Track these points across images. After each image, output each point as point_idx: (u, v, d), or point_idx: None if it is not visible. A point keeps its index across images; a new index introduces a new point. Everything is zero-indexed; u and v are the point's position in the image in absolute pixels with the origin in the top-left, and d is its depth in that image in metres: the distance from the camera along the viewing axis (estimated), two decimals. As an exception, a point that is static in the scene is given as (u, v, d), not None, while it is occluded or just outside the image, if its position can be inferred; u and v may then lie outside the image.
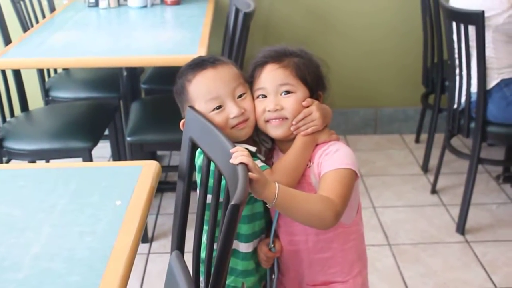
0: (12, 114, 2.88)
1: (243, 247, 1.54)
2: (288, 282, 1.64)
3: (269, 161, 1.57)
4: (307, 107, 1.48)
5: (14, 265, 1.16)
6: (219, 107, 1.47)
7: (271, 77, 1.48)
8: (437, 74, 3.28)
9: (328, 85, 1.56)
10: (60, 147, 2.61)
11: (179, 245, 1.52)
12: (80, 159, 2.63)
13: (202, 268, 1.49)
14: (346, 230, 1.54)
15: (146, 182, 1.43)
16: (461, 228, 2.84)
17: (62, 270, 1.14)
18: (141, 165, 1.52)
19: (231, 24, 2.77)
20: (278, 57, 1.49)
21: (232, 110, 1.46)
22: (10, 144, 2.64)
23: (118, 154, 3.08)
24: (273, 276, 1.62)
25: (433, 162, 3.35)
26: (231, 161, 1.25)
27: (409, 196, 3.19)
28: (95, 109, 2.96)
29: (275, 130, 1.49)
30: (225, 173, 1.30)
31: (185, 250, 1.57)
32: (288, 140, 1.51)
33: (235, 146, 1.31)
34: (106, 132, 3.01)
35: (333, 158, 1.44)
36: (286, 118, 1.47)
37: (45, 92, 3.24)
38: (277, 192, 1.27)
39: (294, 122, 1.47)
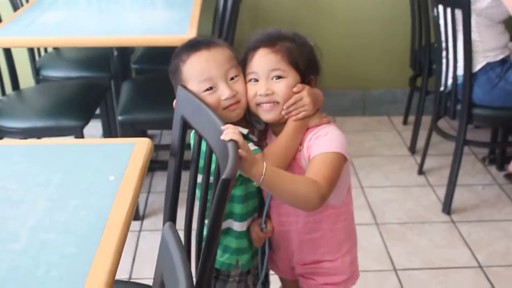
0: (3, 92, 2.90)
1: (237, 226, 1.58)
2: (279, 260, 1.68)
3: (262, 142, 1.61)
4: (298, 92, 1.50)
5: (12, 236, 1.19)
6: (211, 88, 1.50)
7: (263, 62, 1.50)
8: (425, 57, 3.32)
9: (320, 69, 1.59)
10: (52, 125, 2.63)
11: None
12: (72, 137, 2.65)
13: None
14: (336, 211, 1.58)
15: (139, 158, 1.46)
16: (447, 208, 2.90)
17: (58, 241, 1.17)
18: (134, 142, 1.55)
19: (221, 4, 2.79)
20: (270, 42, 1.52)
21: (224, 92, 1.49)
22: (2, 122, 2.66)
23: (109, 133, 3.10)
24: (265, 255, 1.66)
25: (421, 143, 3.40)
26: (222, 137, 1.28)
27: (397, 177, 3.24)
28: (86, 88, 2.98)
29: (266, 114, 1.52)
30: (216, 150, 1.34)
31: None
32: (281, 123, 1.54)
33: (224, 123, 1.34)
34: (97, 112, 3.04)
35: (322, 141, 1.47)
36: (277, 103, 1.50)
37: (36, 71, 3.25)
38: (264, 171, 1.30)
39: (285, 107, 1.50)
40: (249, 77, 1.53)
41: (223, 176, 1.08)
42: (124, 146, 1.53)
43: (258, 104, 1.52)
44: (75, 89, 2.96)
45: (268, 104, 1.50)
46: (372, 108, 3.95)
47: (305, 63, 1.53)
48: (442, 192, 3.01)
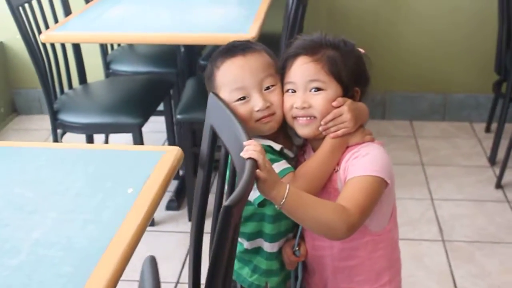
0: (70, 86, 2.91)
1: (268, 247, 1.48)
2: (313, 285, 1.56)
3: (301, 157, 1.50)
4: (338, 107, 1.38)
5: (13, 249, 1.14)
6: (244, 98, 1.40)
7: (301, 71, 1.39)
8: (511, 60, 3.07)
9: (369, 80, 1.45)
10: (111, 122, 2.62)
11: (197, 238, 1.47)
12: (122, 136, 2.63)
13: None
14: (375, 238, 1.44)
15: (163, 169, 1.39)
16: (523, 228, 2.68)
17: (57, 258, 1.11)
18: (164, 151, 1.48)
19: (290, 1, 2.68)
20: (311, 49, 1.40)
21: (257, 103, 1.39)
22: (64, 117, 2.67)
23: (172, 132, 3.06)
24: (297, 280, 1.55)
25: (502, 154, 3.16)
26: (241, 154, 1.18)
27: (472, 190, 3.02)
28: (151, 84, 2.95)
29: (302, 129, 1.40)
30: (237, 167, 1.24)
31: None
32: (319, 139, 1.42)
33: (250, 138, 1.24)
34: (162, 108, 3.01)
35: (360, 162, 1.34)
36: (315, 117, 1.39)
37: (106, 64, 3.26)
38: (286, 194, 1.19)
39: (322, 123, 1.38)
40: (286, 87, 1.42)
41: (225, 203, 0.99)
42: (152, 154, 1.46)
43: (294, 117, 1.41)
44: (140, 85, 2.94)
45: (305, 118, 1.39)
46: (452, 113, 3.72)
47: (349, 74, 1.40)
48: (520, 209, 2.79)
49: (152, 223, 2.78)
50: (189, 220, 2.81)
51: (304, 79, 1.38)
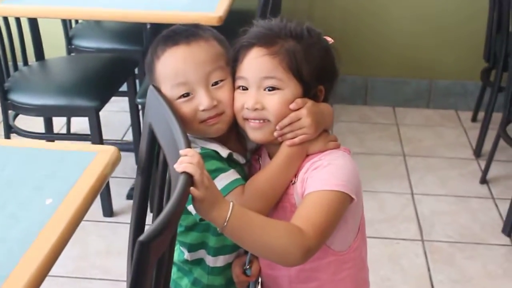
0: (25, 62, 2.68)
1: (210, 261, 1.29)
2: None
3: (255, 162, 1.29)
4: (296, 110, 1.17)
5: None
6: (188, 94, 1.19)
7: (255, 66, 1.17)
8: (501, 47, 2.87)
9: (336, 76, 1.24)
10: (65, 104, 2.39)
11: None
12: (86, 119, 2.41)
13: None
14: (339, 258, 1.24)
15: (92, 175, 1.17)
16: (508, 228, 2.49)
17: None
18: (96, 151, 1.26)
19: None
20: (268, 40, 1.18)
21: (202, 101, 1.18)
22: (15, 97, 2.44)
23: (136, 114, 2.84)
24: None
25: (488, 146, 2.97)
26: (174, 166, 0.98)
27: (455, 184, 2.84)
28: (113, 63, 2.73)
29: (253, 133, 1.20)
30: (173, 179, 1.04)
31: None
32: (276, 143, 1.21)
33: (188, 145, 1.03)
34: (125, 88, 2.79)
35: (320, 174, 1.14)
36: (268, 121, 1.18)
37: (68, 40, 3.02)
38: (228, 215, 0.99)
39: (278, 128, 1.17)
40: (237, 83, 1.21)
41: (140, 238, 0.78)
42: (81, 156, 1.24)
43: (245, 119, 1.20)
44: (102, 64, 2.71)
45: (257, 121, 1.18)
46: (438, 100, 3.52)
47: (311, 71, 1.18)
48: (505, 207, 2.59)
49: (111, 214, 2.58)
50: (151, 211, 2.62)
51: (258, 75, 1.17)
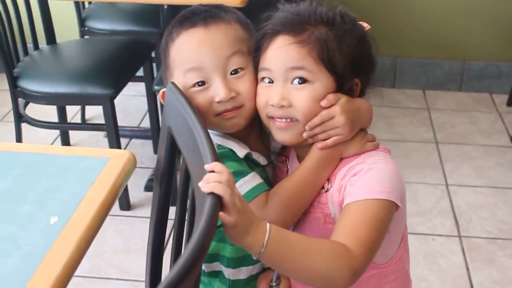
0: (36, 46, 2.52)
1: (230, 274, 1.14)
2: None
3: (282, 164, 1.13)
4: (328, 107, 1.01)
5: None
6: (203, 83, 1.04)
7: (281, 56, 1.02)
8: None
9: (374, 68, 1.08)
10: (77, 92, 2.24)
11: (154, 271, 1.12)
12: (101, 107, 2.26)
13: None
14: (381, 271, 1.10)
15: (103, 187, 1.03)
16: (551, 223, 2.32)
17: None
18: (107, 157, 1.11)
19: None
20: (295, 27, 1.02)
21: (218, 91, 1.03)
22: (25, 84, 2.30)
23: (154, 101, 2.68)
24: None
25: (526, 132, 2.80)
26: (199, 184, 0.82)
27: (492, 174, 2.66)
28: (129, 47, 2.57)
29: (279, 134, 1.04)
30: (197, 197, 0.88)
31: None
32: (306, 145, 1.06)
33: (216, 158, 0.87)
34: (142, 73, 2.64)
35: (362, 181, 0.99)
36: (296, 120, 1.02)
37: (81, 21, 2.86)
38: (266, 240, 0.84)
39: (307, 128, 1.02)
40: (261, 74, 1.05)
41: (162, 284, 0.63)
42: (91, 162, 1.09)
43: (270, 117, 1.04)
44: (115, 47, 2.55)
45: (283, 120, 1.03)
46: (471, 83, 3.32)
47: (345, 62, 1.03)
48: (547, 199, 2.43)
49: (128, 207, 2.44)
50: (172, 204, 2.47)
51: (284, 66, 1.02)
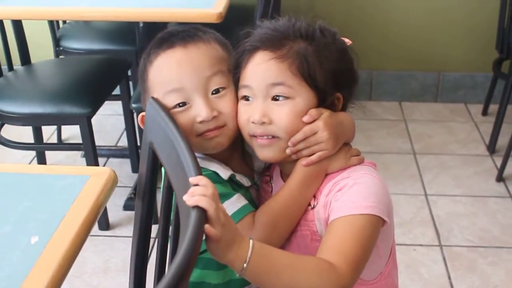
0: (10, 67, 2.50)
1: None
2: None
3: (266, 185, 1.13)
4: (311, 122, 1.01)
5: None
6: (184, 104, 1.04)
7: (260, 72, 1.02)
8: (515, 37, 2.71)
9: (356, 81, 1.09)
10: (54, 112, 2.21)
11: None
12: (77, 127, 2.24)
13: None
14: (370, 287, 1.09)
15: (84, 204, 1.01)
16: (531, 230, 2.34)
17: None
18: (88, 174, 1.10)
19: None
20: (274, 42, 1.02)
21: (200, 111, 1.03)
22: (0, 105, 2.27)
23: (131, 118, 2.67)
24: None
25: (503, 141, 2.82)
26: (184, 197, 0.81)
27: (470, 183, 2.68)
28: (105, 66, 2.55)
29: (262, 151, 1.04)
30: (181, 211, 0.87)
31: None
32: (290, 161, 1.05)
33: (199, 171, 0.87)
34: (118, 92, 2.62)
35: (347, 197, 0.98)
36: (278, 137, 1.02)
37: (56, 41, 2.84)
38: (248, 256, 0.83)
39: (290, 144, 1.02)
40: (241, 92, 1.05)
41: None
42: (71, 180, 1.08)
43: (252, 135, 1.04)
44: (92, 66, 2.54)
45: (264, 137, 1.02)
46: (446, 93, 3.36)
47: (326, 76, 1.03)
48: (526, 207, 2.46)
49: (107, 227, 2.41)
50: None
51: (264, 82, 1.02)
